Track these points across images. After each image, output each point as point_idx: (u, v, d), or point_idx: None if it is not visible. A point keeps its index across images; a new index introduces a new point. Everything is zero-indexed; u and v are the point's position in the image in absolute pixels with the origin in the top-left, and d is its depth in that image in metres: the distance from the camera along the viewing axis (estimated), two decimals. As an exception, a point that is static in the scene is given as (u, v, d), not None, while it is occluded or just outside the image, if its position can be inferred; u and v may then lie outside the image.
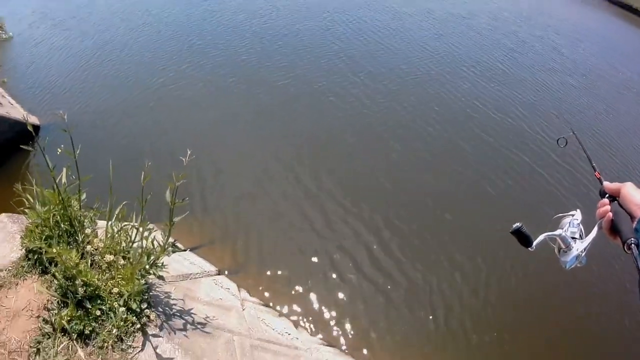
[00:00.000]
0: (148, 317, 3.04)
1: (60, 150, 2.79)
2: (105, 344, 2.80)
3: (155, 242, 3.15)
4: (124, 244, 3.27)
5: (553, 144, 8.06)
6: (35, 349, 2.69)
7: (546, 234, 1.56)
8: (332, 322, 4.71)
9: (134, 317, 2.94)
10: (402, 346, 4.64)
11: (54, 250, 2.71)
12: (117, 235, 3.29)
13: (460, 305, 5.13)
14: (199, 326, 3.37)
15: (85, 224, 3.21)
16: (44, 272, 3.03)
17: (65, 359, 2.70)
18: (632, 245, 1.22)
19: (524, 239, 1.54)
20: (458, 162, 7.50)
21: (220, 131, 7.42)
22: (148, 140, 6.95)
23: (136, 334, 2.95)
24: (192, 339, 3.21)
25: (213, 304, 3.91)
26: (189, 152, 2.87)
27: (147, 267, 3.07)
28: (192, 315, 3.44)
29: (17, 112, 6.82)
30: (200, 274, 4.36)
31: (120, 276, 3.00)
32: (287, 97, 8.62)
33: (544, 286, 5.59)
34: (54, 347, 2.72)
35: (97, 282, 2.90)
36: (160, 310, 3.25)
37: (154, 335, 3.01)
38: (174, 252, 3.20)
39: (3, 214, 3.54)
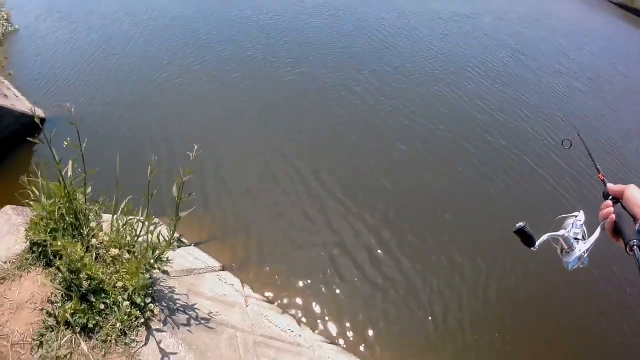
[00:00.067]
0: (152, 311, 3.03)
1: (66, 143, 2.78)
2: (109, 338, 2.80)
3: (160, 237, 3.14)
4: (128, 238, 3.26)
5: (557, 145, 8.09)
6: (38, 342, 2.69)
7: (549, 234, 1.55)
8: (335, 320, 4.69)
9: (138, 311, 2.93)
10: (403, 345, 4.63)
11: (59, 243, 2.70)
12: (122, 229, 3.28)
13: (461, 305, 5.10)
14: (202, 321, 3.36)
15: (90, 217, 3.20)
16: (48, 264, 3.03)
17: (68, 352, 2.69)
18: (635, 246, 1.23)
19: (527, 239, 1.54)
20: (460, 162, 7.47)
21: (225, 126, 7.40)
22: (152, 134, 6.93)
23: (140, 328, 2.94)
24: (195, 334, 3.20)
25: (217, 299, 3.90)
26: (195, 147, 2.85)
27: (152, 261, 3.05)
28: (196, 310, 3.43)
29: (22, 104, 6.82)
30: (204, 269, 4.35)
31: (125, 270, 2.99)
32: (292, 93, 8.60)
33: (544, 286, 5.56)
34: (57, 340, 2.71)
35: (101, 275, 2.89)
36: (164, 304, 3.24)
37: (158, 330, 3.00)
38: (179, 246, 3.19)
39: (7, 205, 3.54)
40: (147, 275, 3.03)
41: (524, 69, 11.94)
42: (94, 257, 3.02)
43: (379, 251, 5.53)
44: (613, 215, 1.37)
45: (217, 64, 9.24)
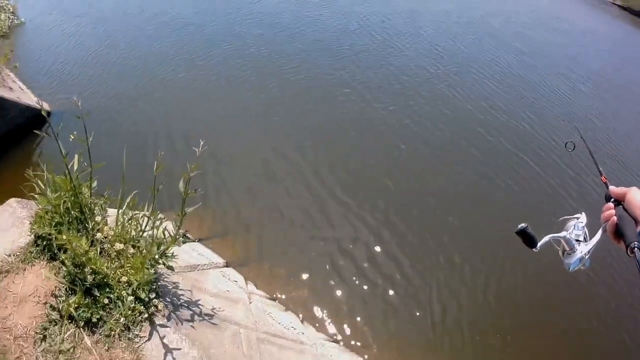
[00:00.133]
0: (156, 306, 3.01)
1: (73, 137, 2.77)
2: (112, 333, 2.79)
3: (166, 232, 3.13)
4: (133, 233, 3.25)
5: (559, 147, 8.09)
6: (41, 335, 2.68)
7: (551, 235, 1.56)
8: (337, 319, 4.70)
9: (142, 307, 2.92)
10: (405, 345, 4.64)
11: (64, 237, 2.69)
12: (127, 223, 3.26)
13: (464, 306, 5.11)
14: (206, 317, 3.35)
15: (95, 211, 3.19)
16: (53, 258, 3.02)
17: (72, 346, 2.68)
18: (636, 248, 1.24)
19: (529, 240, 1.55)
20: (461, 163, 7.47)
21: (230, 122, 7.40)
22: (156, 129, 6.93)
23: (143, 323, 2.93)
24: (199, 330, 3.19)
25: (220, 295, 3.89)
26: (201, 143, 2.84)
27: (157, 256, 3.04)
28: (200, 306, 3.42)
29: (27, 97, 6.82)
30: (208, 265, 4.34)
31: (130, 265, 2.98)
32: (296, 90, 8.59)
33: (544, 287, 5.58)
34: (60, 334, 2.70)
35: (106, 270, 2.88)
36: (168, 300, 3.23)
37: (162, 325, 2.99)
38: (184, 242, 3.18)
39: (12, 198, 3.52)
40: (152, 271, 3.01)
41: (529, 71, 11.90)
42: (98, 252, 3.01)
43: (380, 251, 5.54)
44: (615, 218, 1.39)
45: (222, 60, 9.23)
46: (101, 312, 2.81)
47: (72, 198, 2.99)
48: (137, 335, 2.86)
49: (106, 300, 2.83)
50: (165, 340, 2.91)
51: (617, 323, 5.41)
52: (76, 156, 3.06)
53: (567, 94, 11.16)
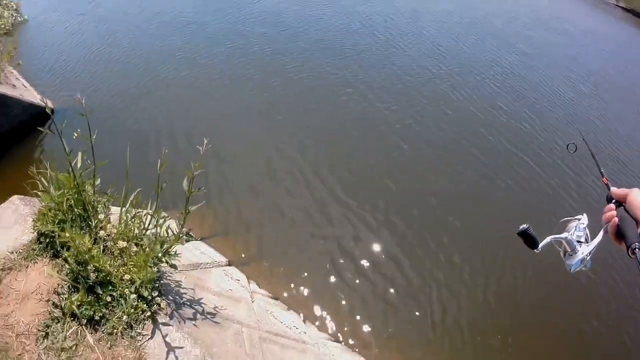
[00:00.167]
0: (159, 305, 3.01)
1: (76, 135, 2.76)
2: (115, 331, 2.79)
3: (169, 230, 3.12)
4: (136, 231, 3.24)
5: (560, 148, 8.08)
6: (43, 333, 2.67)
7: (552, 236, 1.57)
8: (339, 318, 4.69)
9: (145, 305, 2.92)
10: (406, 345, 4.64)
11: (67, 234, 2.68)
12: (130, 222, 3.26)
13: (461, 306, 5.11)
14: (208, 316, 3.34)
15: (98, 209, 3.18)
16: (55, 256, 3.02)
17: (74, 344, 2.68)
18: (637, 249, 1.25)
19: (530, 241, 1.55)
20: (461, 163, 7.46)
21: (233, 121, 7.39)
22: (158, 128, 6.92)
23: (146, 321, 2.93)
24: (201, 328, 3.18)
25: (223, 294, 3.88)
26: (205, 142, 2.84)
27: (160, 255, 3.04)
28: (202, 305, 3.41)
29: (30, 95, 6.82)
30: (211, 264, 4.34)
31: (133, 263, 2.98)
32: (300, 89, 8.58)
33: (544, 287, 5.58)
34: (62, 331, 2.70)
35: (109, 268, 2.87)
36: (171, 298, 3.22)
37: (164, 324, 2.98)
38: (187, 241, 3.17)
39: (15, 196, 3.53)
40: (155, 269, 3.01)
41: (531, 72, 11.88)
42: (101, 249, 3.00)
43: (381, 251, 5.54)
44: (616, 219, 1.39)
45: (225, 59, 9.22)
46: (104, 310, 2.80)
47: (76, 196, 2.99)
48: (139, 333, 2.86)
49: (109, 298, 2.82)
50: (167, 339, 2.90)
51: (617, 324, 5.42)
52: (80, 154, 3.05)
53: (569, 95, 11.14)
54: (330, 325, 4.62)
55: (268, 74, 8.87)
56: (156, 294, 3.02)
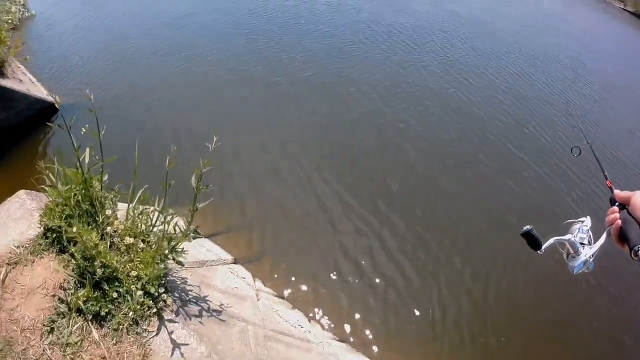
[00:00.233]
0: (165, 301, 3.00)
1: (84, 130, 2.75)
2: (121, 327, 2.77)
3: (176, 227, 3.11)
4: (143, 228, 3.23)
5: (565, 151, 8.08)
6: (49, 328, 2.67)
7: (556, 238, 1.58)
8: (344, 318, 4.69)
9: (151, 301, 2.90)
10: (409, 345, 4.64)
11: (75, 230, 2.67)
12: (137, 218, 3.25)
13: (467, 306, 5.12)
14: (214, 313, 3.33)
15: (106, 205, 3.17)
16: (62, 251, 3.01)
17: (79, 339, 2.67)
18: (639, 252, 1.26)
19: (534, 242, 1.57)
20: (464, 165, 7.47)
21: (240, 119, 7.37)
22: (165, 124, 6.91)
23: (152, 318, 2.91)
24: (207, 326, 3.17)
25: (228, 292, 3.87)
26: (214, 139, 2.83)
27: (167, 252, 3.02)
28: (208, 302, 3.40)
29: (37, 90, 6.81)
30: (217, 261, 4.33)
31: (139, 259, 2.97)
32: (307, 88, 8.59)
33: (544, 288, 5.59)
34: (68, 326, 2.69)
35: (115, 264, 2.86)
36: (177, 295, 3.21)
37: (170, 321, 2.97)
38: (194, 238, 3.16)
39: (21, 190, 3.52)
40: (162, 266, 3.00)
41: (538, 75, 11.86)
42: (108, 245, 3.00)
43: (384, 252, 5.54)
44: (619, 221, 1.39)
45: (232, 56, 9.21)
46: (110, 306, 2.79)
47: (83, 191, 2.97)
48: (145, 329, 2.85)
49: (115, 294, 2.81)
50: (173, 336, 2.89)
51: (618, 324, 5.44)
52: (87, 149, 3.04)
53: (575, 99, 11.16)
54: (335, 324, 4.61)
55: (276, 72, 8.89)
56: (162, 290, 3.00)
